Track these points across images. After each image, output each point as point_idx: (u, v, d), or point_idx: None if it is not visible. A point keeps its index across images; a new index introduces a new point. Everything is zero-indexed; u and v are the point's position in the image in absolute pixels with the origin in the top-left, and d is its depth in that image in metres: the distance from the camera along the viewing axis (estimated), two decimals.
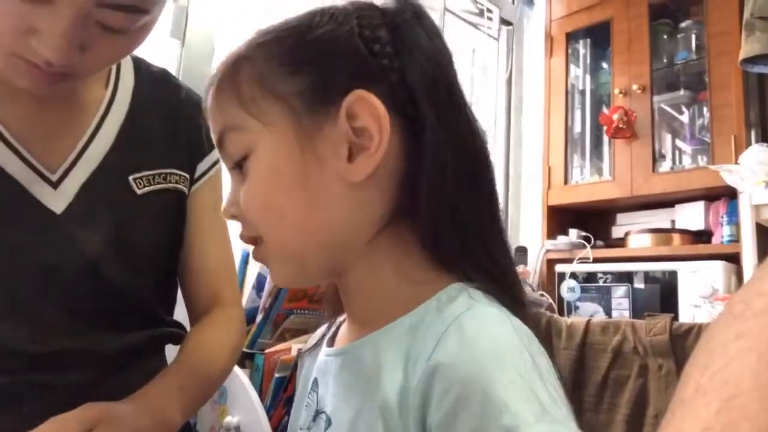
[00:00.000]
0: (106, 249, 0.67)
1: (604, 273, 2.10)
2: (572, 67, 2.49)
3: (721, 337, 0.22)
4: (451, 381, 0.38)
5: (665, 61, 2.26)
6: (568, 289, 2.11)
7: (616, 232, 2.32)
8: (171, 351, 0.75)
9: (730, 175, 1.78)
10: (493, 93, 2.60)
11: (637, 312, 1.95)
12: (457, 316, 0.41)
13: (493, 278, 0.46)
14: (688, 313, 1.82)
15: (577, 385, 1.49)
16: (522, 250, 2.34)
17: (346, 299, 0.51)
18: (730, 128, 1.93)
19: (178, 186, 0.76)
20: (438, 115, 0.45)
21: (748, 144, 1.87)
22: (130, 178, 0.71)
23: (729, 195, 1.94)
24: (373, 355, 0.45)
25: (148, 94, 0.76)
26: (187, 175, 0.77)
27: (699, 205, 2.07)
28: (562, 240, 2.26)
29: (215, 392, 0.77)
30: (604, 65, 2.44)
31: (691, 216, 2.09)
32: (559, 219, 2.36)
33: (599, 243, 2.24)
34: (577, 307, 2.11)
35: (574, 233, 2.25)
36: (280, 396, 1.15)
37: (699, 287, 1.82)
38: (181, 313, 0.81)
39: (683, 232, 2.06)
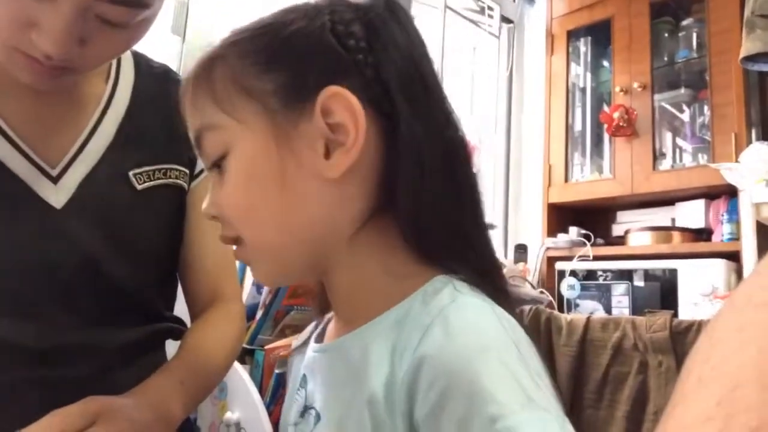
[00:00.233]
0: (105, 244, 0.67)
1: (604, 271, 2.10)
2: (573, 65, 2.49)
3: (722, 330, 0.22)
4: (437, 373, 0.38)
5: (666, 59, 2.26)
6: (568, 287, 2.11)
7: (617, 230, 2.32)
8: (171, 347, 0.75)
9: (730, 173, 1.78)
10: (493, 91, 2.60)
11: (636, 310, 1.95)
12: (442, 308, 0.42)
13: (476, 269, 0.46)
14: (688, 311, 1.82)
15: (577, 381, 1.49)
16: (522, 248, 2.34)
17: (332, 296, 0.51)
18: (731, 126, 1.93)
19: (178, 181, 0.76)
20: (413, 109, 0.45)
21: (749, 142, 1.87)
22: (130, 173, 0.71)
23: (729, 193, 1.94)
24: (360, 349, 0.45)
25: (148, 90, 0.76)
26: (187, 171, 0.77)
27: (699, 203, 2.07)
28: (562, 238, 2.27)
29: (215, 387, 0.77)
30: (605, 63, 2.44)
31: (691, 214, 2.09)
32: (560, 217, 2.37)
33: (599, 241, 2.24)
34: (577, 305, 2.12)
35: (574, 231, 2.26)
36: (279, 392, 1.15)
37: (699, 285, 1.82)
38: (181, 309, 0.81)
39: (683, 230, 2.06)
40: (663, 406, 0.21)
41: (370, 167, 0.46)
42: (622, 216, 2.33)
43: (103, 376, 0.67)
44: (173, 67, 0.83)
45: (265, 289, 1.25)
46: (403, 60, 0.46)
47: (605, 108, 2.31)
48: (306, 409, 0.51)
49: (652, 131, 2.14)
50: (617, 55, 2.27)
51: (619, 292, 2.05)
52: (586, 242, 2.17)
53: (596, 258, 2.13)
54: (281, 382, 1.16)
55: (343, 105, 0.44)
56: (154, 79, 0.78)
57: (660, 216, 2.20)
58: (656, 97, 2.19)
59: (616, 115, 2.16)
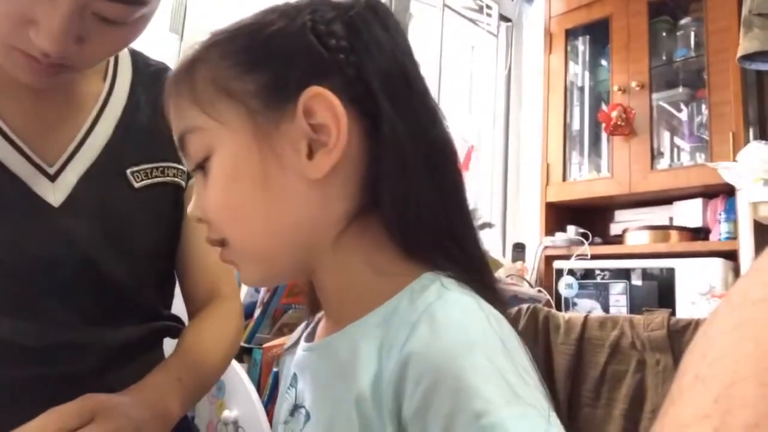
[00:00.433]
0: (103, 242, 0.67)
1: (602, 270, 2.10)
2: (571, 64, 2.49)
3: (719, 326, 0.22)
4: (424, 369, 0.38)
5: (664, 58, 2.26)
6: (566, 286, 2.11)
7: (614, 228, 2.32)
8: (169, 345, 0.75)
9: (728, 172, 1.78)
10: (491, 89, 2.60)
11: (634, 309, 1.95)
12: (429, 304, 0.41)
13: (463, 266, 0.46)
14: (686, 310, 1.82)
15: (575, 380, 1.49)
16: (520, 247, 2.34)
17: (322, 295, 0.51)
18: (729, 125, 1.94)
19: (176, 179, 0.75)
20: (396, 108, 0.45)
21: (747, 141, 1.87)
22: (128, 171, 0.71)
23: (727, 192, 1.94)
24: (349, 347, 0.45)
25: (146, 88, 0.76)
26: (185, 169, 0.77)
27: (697, 203, 2.07)
28: (560, 236, 2.27)
29: (213, 385, 0.77)
30: (603, 62, 2.44)
31: (689, 213, 2.09)
32: (558, 216, 2.37)
33: (597, 240, 2.25)
34: (575, 304, 2.12)
35: (572, 230, 2.26)
36: (277, 390, 1.15)
37: (696, 284, 1.82)
38: (179, 308, 0.81)
39: (681, 229, 2.06)
40: (660, 404, 0.21)
41: (353, 167, 0.46)
42: (620, 215, 2.33)
43: (102, 374, 0.67)
44: (171, 65, 0.83)
45: (263, 288, 1.25)
46: (385, 59, 0.46)
47: (603, 107, 2.31)
48: (296, 407, 0.50)
49: (650, 130, 2.14)
50: (615, 54, 2.27)
51: (617, 291, 2.05)
52: (584, 241, 2.18)
53: (594, 257, 2.13)
54: (279, 381, 1.16)
55: (324, 105, 0.44)
56: (151, 78, 0.77)
57: (658, 215, 2.20)
58: (654, 96, 2.19)
59: (614, 114, 2.16)
